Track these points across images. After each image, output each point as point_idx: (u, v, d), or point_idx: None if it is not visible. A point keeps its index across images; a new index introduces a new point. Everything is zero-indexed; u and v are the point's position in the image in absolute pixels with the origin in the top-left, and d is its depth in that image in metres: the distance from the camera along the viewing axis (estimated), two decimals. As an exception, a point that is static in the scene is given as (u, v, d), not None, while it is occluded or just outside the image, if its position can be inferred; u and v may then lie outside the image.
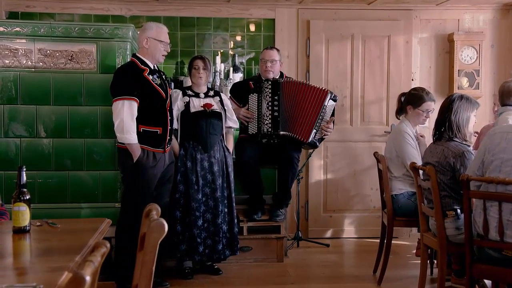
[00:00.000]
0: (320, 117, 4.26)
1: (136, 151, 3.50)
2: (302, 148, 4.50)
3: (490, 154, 2.75)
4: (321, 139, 4.39)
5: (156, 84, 3.59)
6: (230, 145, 4.20)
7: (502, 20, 5.40)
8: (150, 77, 3.57)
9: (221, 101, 4.10)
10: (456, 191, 3.12)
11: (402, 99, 4.04)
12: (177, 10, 5.13)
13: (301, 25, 5.25)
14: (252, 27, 5.23)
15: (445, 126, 3.22)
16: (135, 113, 3.48)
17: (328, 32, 5.24)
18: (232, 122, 4.16)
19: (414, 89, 4.09)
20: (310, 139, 4.26)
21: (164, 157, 3.65)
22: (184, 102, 3.98)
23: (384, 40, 5.27)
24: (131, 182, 3.57)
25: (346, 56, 5.26)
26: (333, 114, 4.36)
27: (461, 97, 3.26)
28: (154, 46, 3.59)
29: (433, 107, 3.93)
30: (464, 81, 5.27)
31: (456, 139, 3.20)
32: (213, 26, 5.19)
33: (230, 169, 4.07)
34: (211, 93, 4.11)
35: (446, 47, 5.37)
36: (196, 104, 3.99)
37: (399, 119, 4.11)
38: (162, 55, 3.65)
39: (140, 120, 3.52)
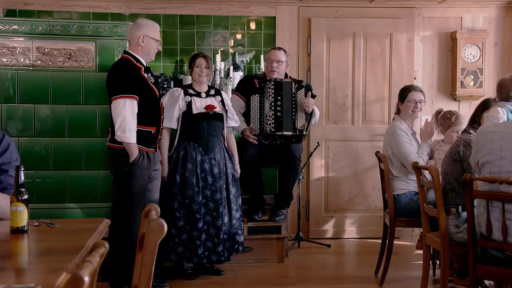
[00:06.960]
0: (293, 104, 4.19)
1: (134, 151, 3.43)
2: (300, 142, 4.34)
3: (479, 154, 2.72)
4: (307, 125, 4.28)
5: (151, 82, 3.55)
6: (234, 145, 4.15)
7: (506, 18, 5.36)
8: (146, 75, 3.53)
9: (222, 101, 4.06)
10: (462, 185, 3.10)
11: None
12: (177, 8, 5.09)
13: (302, 23, 5.22)
14: (253, 25, 5.20)
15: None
16: (136, 112, 3.43)
17: (330, 30, 5.20)
18: (233, 121, 4.11)
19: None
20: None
21: (154, 156, 3.62)
22: (186, 102, 3.91)
23: (386, 38, 5.24)
24: (126, 183, 3.47)
25: (348, 54, 5.23)
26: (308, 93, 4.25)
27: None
28: (150, 45, 3.53)
29: (422, 97, 3.98)
30: (469, 80, 5.23)
31: (471, 131, 3.28)
32: (213, 24, 5.15)
33: (229, 170, 4.03)
34: (212, 92, 4.06)
35: (449, 45, 5.34)
36: (198, 105, 3.93)
37: None
38: (155, 53, 3.60)
39: (137, 120, 3.47)
